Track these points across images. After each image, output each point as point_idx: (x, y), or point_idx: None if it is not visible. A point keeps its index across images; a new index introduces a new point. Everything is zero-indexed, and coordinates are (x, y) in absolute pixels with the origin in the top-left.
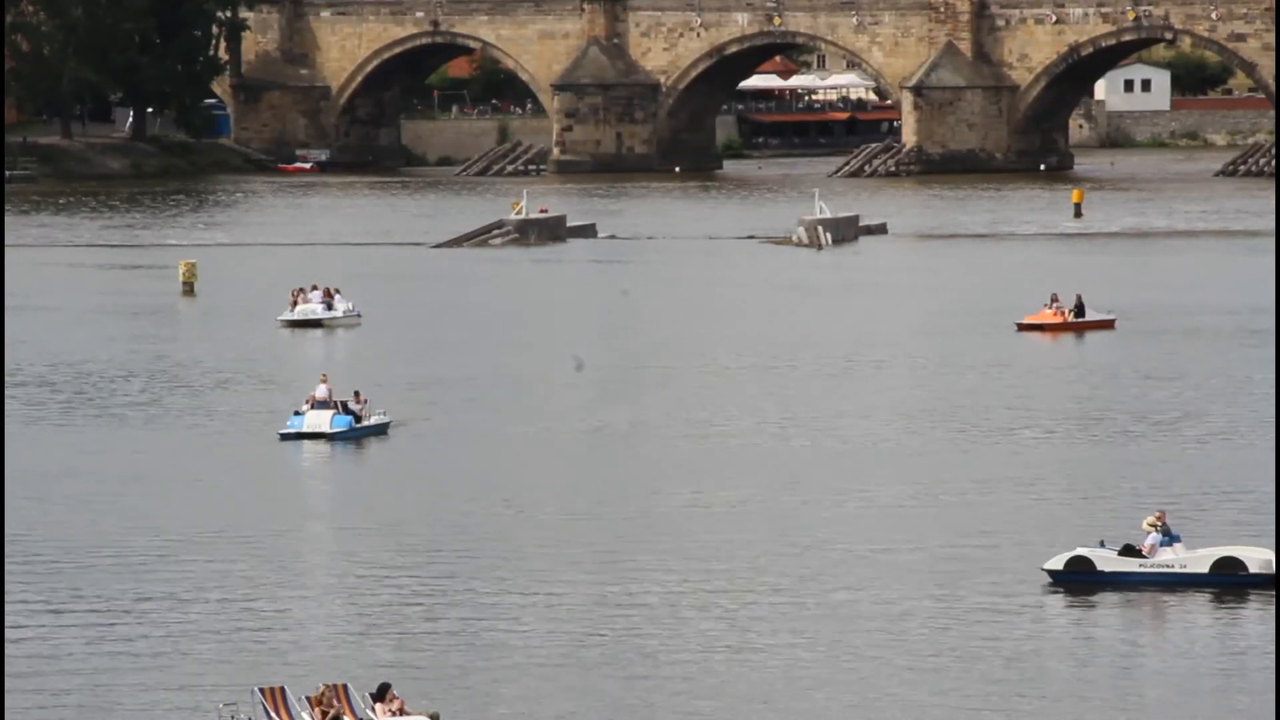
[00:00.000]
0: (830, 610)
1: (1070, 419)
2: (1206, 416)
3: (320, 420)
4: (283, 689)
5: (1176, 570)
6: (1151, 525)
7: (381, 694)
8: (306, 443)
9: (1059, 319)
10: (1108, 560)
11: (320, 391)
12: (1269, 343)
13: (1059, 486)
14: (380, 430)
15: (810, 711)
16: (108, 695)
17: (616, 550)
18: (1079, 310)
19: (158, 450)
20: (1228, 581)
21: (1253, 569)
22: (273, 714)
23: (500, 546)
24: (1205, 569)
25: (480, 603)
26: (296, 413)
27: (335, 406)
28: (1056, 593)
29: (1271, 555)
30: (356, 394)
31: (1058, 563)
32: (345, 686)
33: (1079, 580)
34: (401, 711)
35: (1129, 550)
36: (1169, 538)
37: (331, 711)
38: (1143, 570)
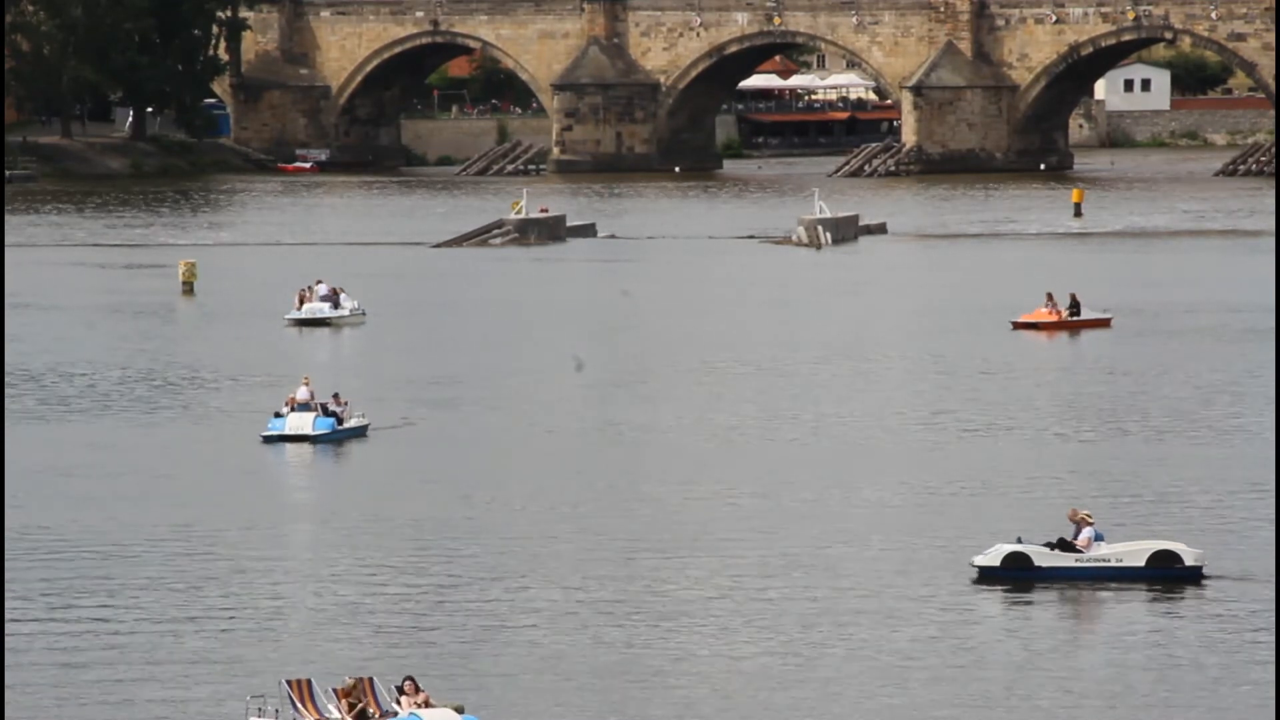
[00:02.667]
0: (800, 603)
1: (1047, 416)
2: (1185, 415)
3: (302, 423)
4: (309, 681)
5: (1113, 565)
6: (1086, 520)
7: (404, 686)
8: (290, 445)
9: (1054, 317)
10: (1044, 556)
11: (301, 393)
12: (1263, 342)
13: (1017, 483)
14: (359, 433)
15: (778, 706)
16: (133, 690)
17: (615, 547)
18: (1074, 309)
19: (164, 449)
20: (1164, 575)
21: (1188, 562)
22: (299, 706)
23: (506, 544)
24: (1142, 563)
25: (492, 598)
26: (277, 414)
27: (316, 408)
28: (996, 589)
29: (1199, 550)
30: (336, 396)
31: (995, 559)
32: (371, 679)
33: (1017, 576)
34: (427, 704)
35: (1063, 545)
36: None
37: (360, 705)
38: (1079, 565)
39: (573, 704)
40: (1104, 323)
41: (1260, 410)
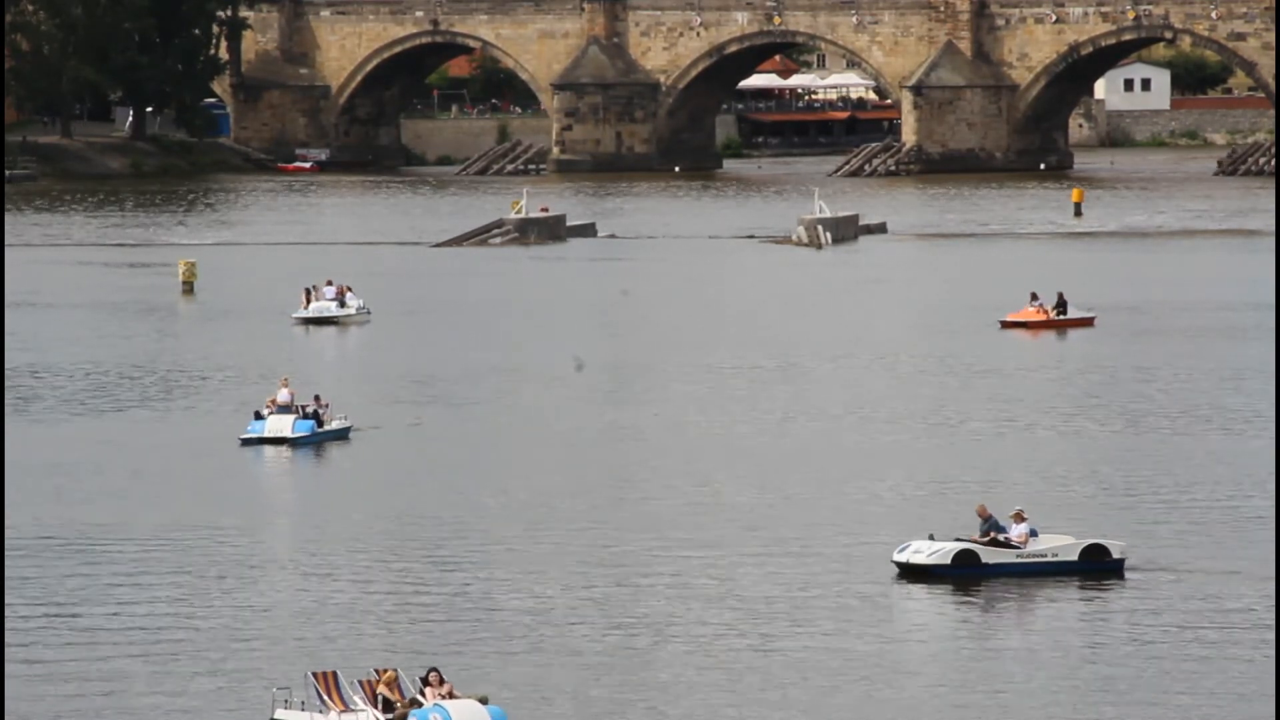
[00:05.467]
0: (757, 597)
1: (1011, 414)
2: (1149, 413)
3: (282, 425)
4: (335, 673)
5: (1050, 559)
6: (1020, 516)
7: (428, 678)
8: (270, 448)
9: (1043, 316)
10: (990, 553)
11: (282, 395)
12: (1253, 341)
13: (955, 478)
14: (342, 435)
15: (771, 699)
16: (158, 685)
17: (619, 541)
18: (1062, 308)
19: (167, 447)
20: (1094, 568)
21: (1114, 555)
22: (325, 697)
23: (513, 540)
24: (1075, 557)
25: (506, 592)
26: (258, 417)
27: (297, 410)
28: (948, 585)
29: (1121, 543)
30: (317, 398)
31: (944, 558)
32: (396, 671)
33: (966, 574)
34: (451, 695)
35: (998, 542)
36: (998, 528)
37: (393, 697)
38: (1021, 561)
39: (592, 693)
40: (1088, 322)
41: (1228, 407)
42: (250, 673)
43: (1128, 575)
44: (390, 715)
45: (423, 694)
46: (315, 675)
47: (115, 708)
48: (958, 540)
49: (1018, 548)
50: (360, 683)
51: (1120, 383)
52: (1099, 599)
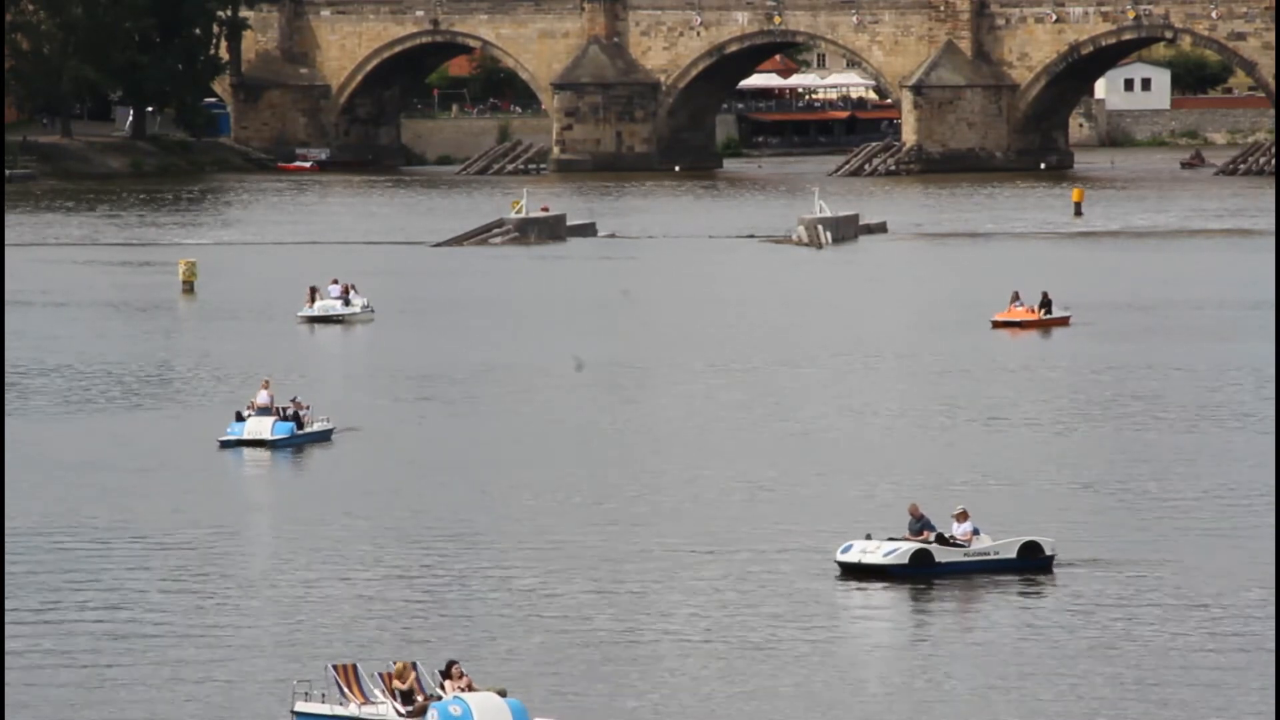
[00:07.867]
0: (727, 592)
1: (979, 411)
2: (1112, 410)
3: (261, 427)
4: (355, 666)
5: (992, 557)
6: (964, 514)
7: (449, 670)
8: (249, 450)
9: (1032, 315)
10: (942, 552)
11: (261, 398)
12: (1235, 340)
13: (906, 475)
14: (323, 437)
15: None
16: (178, 679)
17: (619, 542)
18: (1047, 307)
19: (172, 447)
20: (1029, 565)
21: (1046, 552)
22: (346, 690)
23: (521, 538)
24: (1014, 554)
25: (519, 587)
26: (238, 419)
27: (277, 413)
28: (908, 584)
29: (1051, 539)
30: (295, 400)
31: (903, 557)
32: (414, 663)
33: (920, 573)
34: (470, 688)
35: (944, 540)
36: (930, 527)
37: (405, 688)
38: (967, 559)
39: (608, 688)
40: (1063, 321)
41: (1203, 406)
42: (270, 667)
43: (1056, 571)
44: (410, 707)
45: (442, 686)
46: (336, 668)
47: (134, 706)
48: (891, 540)
49: (964, 546)
50: (380, 675)
51: (1092, 382)
52: (1033, 595)
